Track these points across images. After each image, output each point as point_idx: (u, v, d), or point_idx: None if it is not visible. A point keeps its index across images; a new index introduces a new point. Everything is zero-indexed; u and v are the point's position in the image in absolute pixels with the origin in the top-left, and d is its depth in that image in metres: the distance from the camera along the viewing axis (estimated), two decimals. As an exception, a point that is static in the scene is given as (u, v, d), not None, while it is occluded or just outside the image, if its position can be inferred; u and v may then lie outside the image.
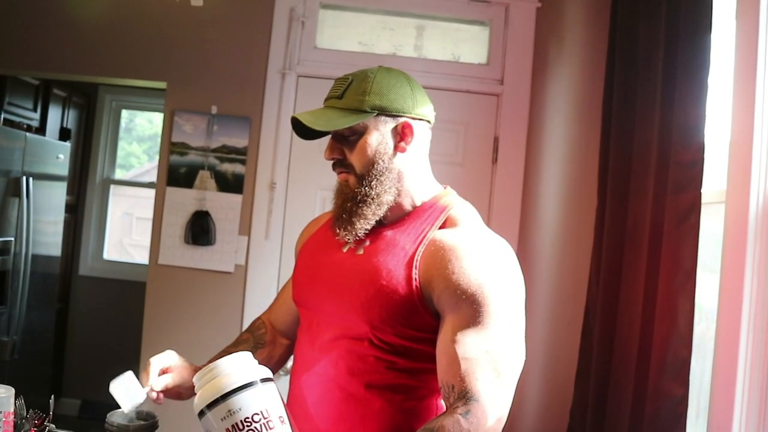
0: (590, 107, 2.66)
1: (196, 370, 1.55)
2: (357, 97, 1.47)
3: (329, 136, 1.55)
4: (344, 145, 1.51)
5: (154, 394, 1.47)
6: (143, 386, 1.44)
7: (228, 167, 3.16)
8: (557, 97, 3.09)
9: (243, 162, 3.16)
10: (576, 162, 2.83)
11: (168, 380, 1.50)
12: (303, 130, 1.53)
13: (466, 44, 3.34)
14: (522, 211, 3.17)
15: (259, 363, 1.53)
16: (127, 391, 1.40)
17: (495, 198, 3.17)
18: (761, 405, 1.68)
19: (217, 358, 1.63)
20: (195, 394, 1.52)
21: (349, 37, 3.34)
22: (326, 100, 1.53)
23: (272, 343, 1.74)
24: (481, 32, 3.32)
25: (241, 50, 3.22)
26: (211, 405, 1.22)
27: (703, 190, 1.84)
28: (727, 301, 1.77)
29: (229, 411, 1.20)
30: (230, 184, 3.16)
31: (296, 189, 3.19)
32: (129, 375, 1.42)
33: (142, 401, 1.41)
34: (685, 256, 1.83)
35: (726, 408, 1.71)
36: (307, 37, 3.22)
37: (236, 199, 3.16)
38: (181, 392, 1.53)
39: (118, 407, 1.42)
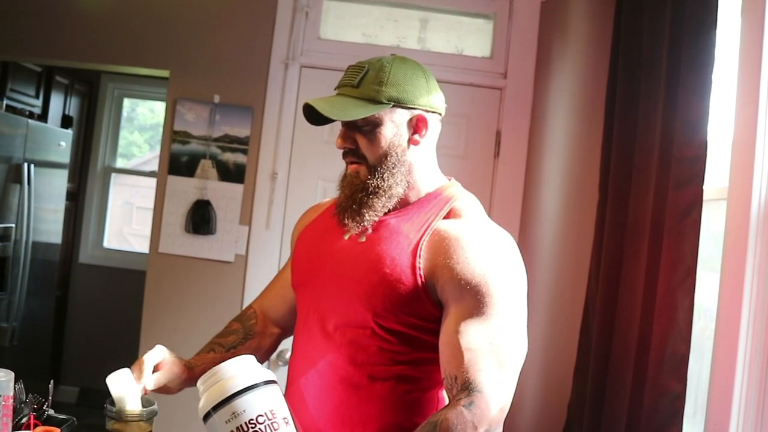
0: (593, 102, 2.65)
1: (185, 365, 1.55)
2: (373, 87, 1.45)
3: (340, 124, 1.52)
4: (357, 134, 1.48)
5: (147, 392, 1.46)
6: (137, 383, 1.43)
7: (230, 156, 3.15)
8: (560, 92, 3.08)
9: (245, 152, 3.16)
10: (578, 157, 2.82)
11: (160, 378, 1.48)
12: (314, 116, 1.50)
13: (469, 37, 3.33)
14: (523, 206, 3.17)
15: (247, 354, 1.54)
16: (123, 389, 1.39)
17: (496, 192, 3.17)
18: (759, 403, 1.68)
19: (207, 351, 1.63)
20: (182, 388, 1.53)
21: (352, 28, 3.33)
22: (340, 87, 1.51)
23: (262, 334, 1.72)
24: (485, 25, 3.31)
25: (244, 40, 3.22)
26: (216, 407, 1.22)
27: (704, 187, 1.83)
28: (727, 298, 1.76)
29: (234, 413, 1.20)
30: (232, 174, 3.16)
31: (297, 179, 3.19)
32: (127, 374, 1.41)
33: (134, 400, 1.41)
34: (686, 252, 1.83)
35: (724, 405, 1.71)
36: (311, 28, 3.22)
37: (237, 188, 3.16)
38: (170, 388, 1.52)
39: None
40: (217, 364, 1.45)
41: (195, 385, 1.42)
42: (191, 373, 1.54)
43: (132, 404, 1.38)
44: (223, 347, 1.66)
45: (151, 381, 1.46)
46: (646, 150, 2.08)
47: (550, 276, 2.89)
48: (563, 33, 3.12)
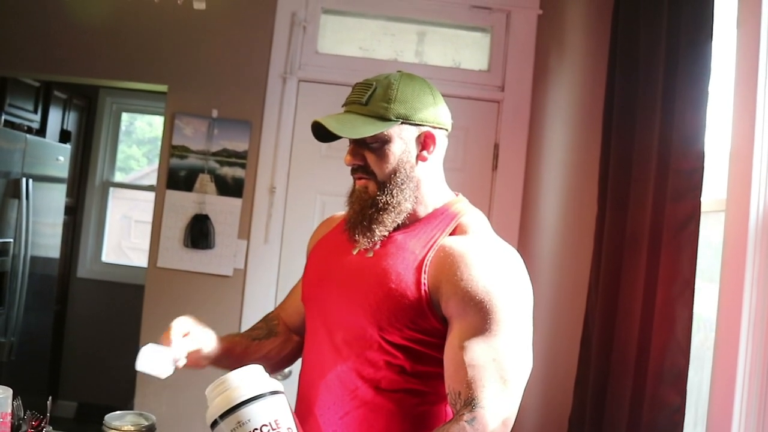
0: (591, 114, 2.66)
1: (219, 340, 1.59)
2: (382, 105, 1.46)
3: (347, 140, 1.53)
4: (366, 151, 1.50)
5: (180, 362, 1.47)
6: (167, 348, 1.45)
7: (228, 171, 3.16)
8: (558, 104, 3.09)
9: (243, 166, 3.16)
10: (576, 169, 2.83)
11: (189, 344, 1.49)
12: (322, 133, 1.51)
13: (467, 50, 3.34)
14: (522, 218, 3.16)
15: (271, 351, 1.65)
16: (157, 362, 1.41)
17: (495, 204, 3.17)
18: (760, 414, 1.67)
19: (234, 341, 1.66)
20: (214, 359, 1.58)
21: (350, 42, 3.34)
22: (347, 104, 1.52)
23: (285, 335, 1.76)
24: (482, 39, 3.32)
25: (242, 54, 3.22)
26: (223, 416, 1.24)
27: (702, 199, 1.84)
28: (726, 310, 1.76)
29: (239, 422, 1.23)
30: (230, 188, 3.16)
31: (296, 193, 3.19)
32: (151, 347, 1.42)
33: (173, 369, 1.43)
34: (684, 265, 1.83)
35: (724, 417, 1.71)
36: (309, 42, 3.22)
37: (236, 202, 3.16)
38: (199, 360, 1.54)
39: (115, 409, 1.43)
40: (243, 346, 1.66)
41: (225, 361, 1.57)
42: (222, 343, 1.58)
43: (166, 374, 1.42)
44: (247, 337, 1.71)
45: (182, 349, 1.47)
46: (644, 162, 2.08)
47: (549, 288, 2.88)
48: (560, 45, 3.14)
